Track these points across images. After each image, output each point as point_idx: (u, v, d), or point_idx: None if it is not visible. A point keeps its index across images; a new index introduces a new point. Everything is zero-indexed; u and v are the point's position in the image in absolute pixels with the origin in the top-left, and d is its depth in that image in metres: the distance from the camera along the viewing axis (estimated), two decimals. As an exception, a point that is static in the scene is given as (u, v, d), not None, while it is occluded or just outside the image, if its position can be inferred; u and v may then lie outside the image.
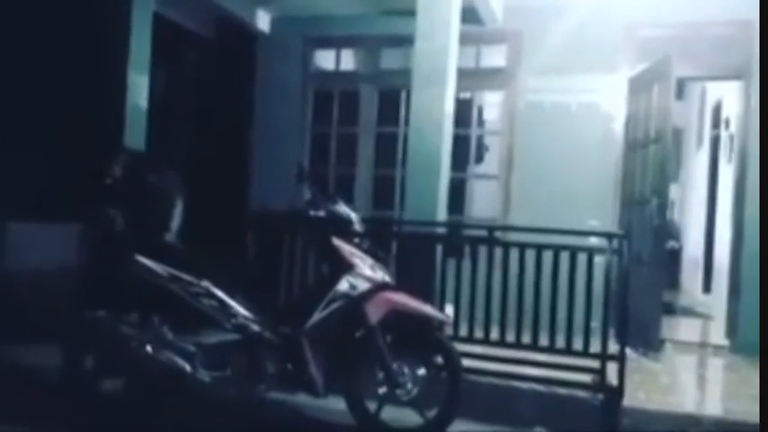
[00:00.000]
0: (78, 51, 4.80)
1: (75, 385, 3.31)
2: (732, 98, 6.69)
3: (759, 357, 3.80)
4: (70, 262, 3.71)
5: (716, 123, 7.69)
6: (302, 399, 3.39)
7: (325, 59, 6.67)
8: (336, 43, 6.55)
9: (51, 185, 4.66)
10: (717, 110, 7.68)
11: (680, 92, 8.91)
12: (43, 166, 4.67)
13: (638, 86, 5.55)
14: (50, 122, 4.73)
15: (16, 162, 4.55)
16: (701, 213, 8.42)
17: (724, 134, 7.12)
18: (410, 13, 4.62)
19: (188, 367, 3.16)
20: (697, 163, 8.88)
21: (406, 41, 5.07)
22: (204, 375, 3.19)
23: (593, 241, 4.31)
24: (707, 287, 7.94)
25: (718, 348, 5.51)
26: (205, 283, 3.23)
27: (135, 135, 4.76)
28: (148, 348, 3.15)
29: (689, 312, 7.57)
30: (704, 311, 7.31)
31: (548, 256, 3.91)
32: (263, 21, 6.50)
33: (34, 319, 4.00)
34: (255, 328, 3.26)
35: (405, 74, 5.09)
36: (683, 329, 6.41)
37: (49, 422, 3.15)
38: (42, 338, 3.66)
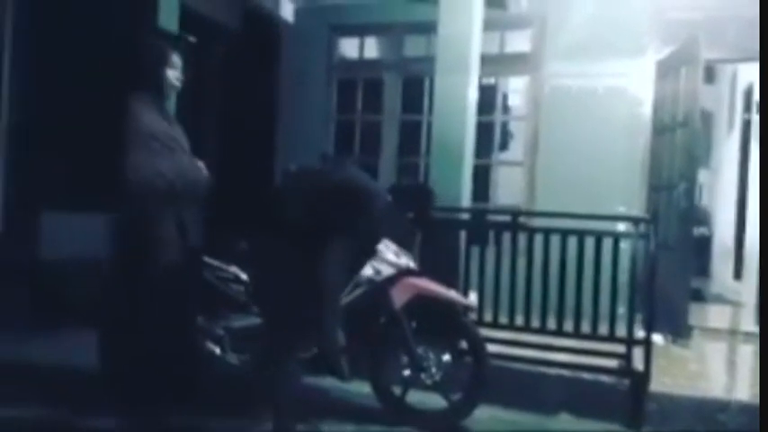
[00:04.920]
0: (104, 42, 4.88)
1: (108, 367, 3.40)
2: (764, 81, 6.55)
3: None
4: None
5: (747, 107, 7.53)
6: (328, 382, 3.45)
7: (348, 48, 6.69)
8: (360, 31, 6.56)
9: (78, 172, 4.76)
10: (748, 93, 7.52)
11: (710, 75, 8.74)
12: (70, 156, 4.78)
13: (665, 70, 5.47)
14: (79, 113, 4.83)
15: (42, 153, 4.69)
16: (732, 199, 8.28)
17: (756, 118, 6.98)
18: (433, -1, 4.62)
19: (217, 350, 3.24)
20: (728, 147, 8.71)
21: (429, 28, 5.06)
22: (232, 358, 3.26)
23: (620, 226, 4.29)
24: (737, 274, 7.82)
25: (748, 335, 5.42)
26: (233, 269, 3.30)
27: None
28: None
29: (719, 299, 7.47)
30: (734, 298, 7.20)
31: (573, 242, 3.89)
32: (287, 10, 6.54)
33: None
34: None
35: (428, 61, 5.08)
36: (713, 316, 6.33)
37: (82, 403, 3.24)
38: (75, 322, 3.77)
